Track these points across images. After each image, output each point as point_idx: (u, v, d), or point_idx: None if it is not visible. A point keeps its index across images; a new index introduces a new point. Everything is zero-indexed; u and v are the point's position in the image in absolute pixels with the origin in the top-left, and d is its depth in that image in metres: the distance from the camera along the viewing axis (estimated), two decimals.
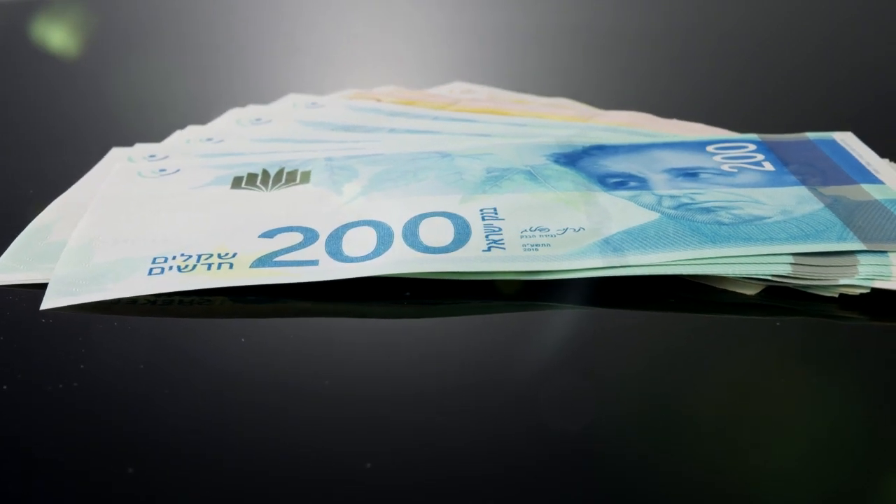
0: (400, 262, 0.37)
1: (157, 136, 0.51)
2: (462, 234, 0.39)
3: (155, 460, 0.28)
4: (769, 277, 0.35)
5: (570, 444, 0.29)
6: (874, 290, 0.35)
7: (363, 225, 0.40)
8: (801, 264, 0.36)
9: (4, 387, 0.32)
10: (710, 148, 0.47)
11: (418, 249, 0.38)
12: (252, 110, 0.55)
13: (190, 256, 0.38)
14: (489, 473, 0.28)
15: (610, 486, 0.27)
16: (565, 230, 0.39)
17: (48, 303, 0.35)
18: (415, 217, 0.40)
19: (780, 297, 0.35)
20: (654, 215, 0.39)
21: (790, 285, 0.35)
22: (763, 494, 0.27)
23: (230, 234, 0.39)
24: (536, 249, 0.37)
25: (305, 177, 0.45)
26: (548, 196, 0.42)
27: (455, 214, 0.40)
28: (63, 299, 0.36)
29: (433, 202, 0.41)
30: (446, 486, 0.27)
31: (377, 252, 0.38)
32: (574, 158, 0.46)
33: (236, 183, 0.44)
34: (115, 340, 0.34)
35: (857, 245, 0.37)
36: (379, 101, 0.57)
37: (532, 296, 0.36)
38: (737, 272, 0.36)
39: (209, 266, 0.37)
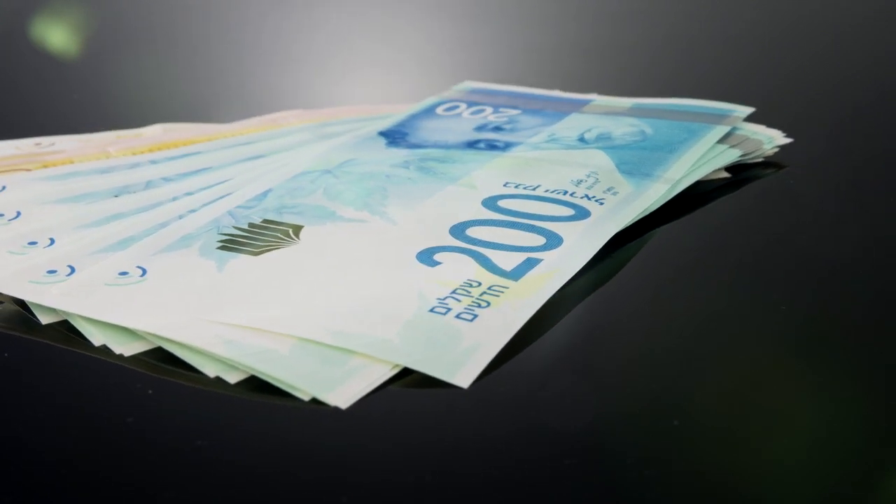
0: (602, 220, 0.40)
1: None
2: (561, 202, 0.42)
3: None
4: (739, 159, 0.47)
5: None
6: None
7: (478, 225, 0.40)
8: (739, 144, 0.48)
9: None
10: (438, 110, 0.53)
11: (579, 219, 0.40)
12: None
13: (456, 298, 0.35)
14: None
15: None
16: (594, 177, 0.44)
17: (462, 380, 0.32)
18: (493, 200, 0.42)
19: (735, 171, 0.47)
20: (599, 151, 0.47)
21: (746, 161, 0.47)
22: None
23: (413, 276, 0.37)
24: (616, 193, 0.43)
25: (279, 222, 0.41)
26: (500, 163, 0.45)
27: (518, 195, 0.42)
28: (470, 369, 0.32)
29: (460, 199, 0.42)
30: None
31: (555, 239, 0.39)
32: (410, 146, 0.48)
33: (236, 251, 0.39)
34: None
35: (725, 128, 0.49)
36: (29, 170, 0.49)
37: None
38: (727, 160, 0.46)
39: (493, 291, 0.35)
